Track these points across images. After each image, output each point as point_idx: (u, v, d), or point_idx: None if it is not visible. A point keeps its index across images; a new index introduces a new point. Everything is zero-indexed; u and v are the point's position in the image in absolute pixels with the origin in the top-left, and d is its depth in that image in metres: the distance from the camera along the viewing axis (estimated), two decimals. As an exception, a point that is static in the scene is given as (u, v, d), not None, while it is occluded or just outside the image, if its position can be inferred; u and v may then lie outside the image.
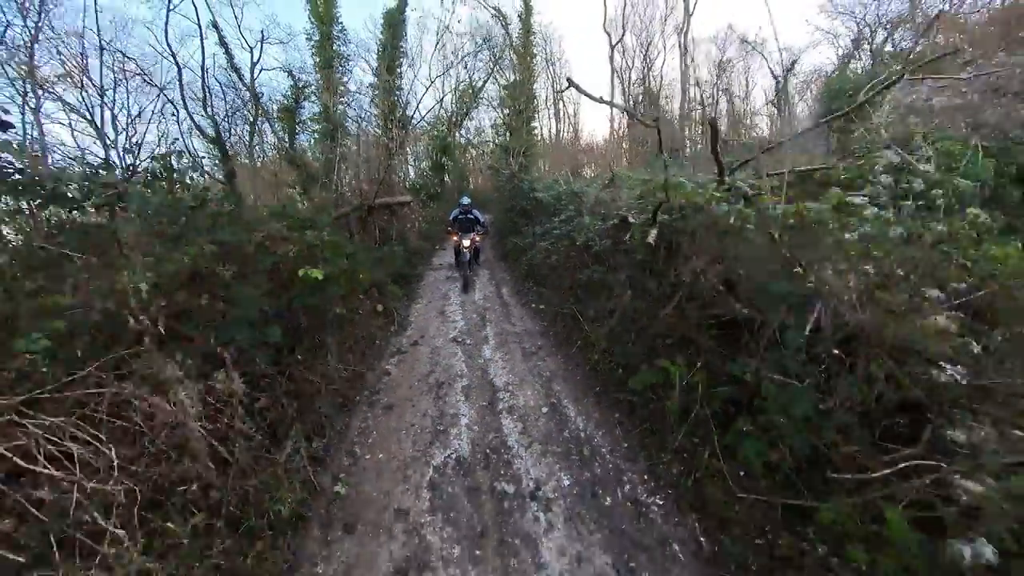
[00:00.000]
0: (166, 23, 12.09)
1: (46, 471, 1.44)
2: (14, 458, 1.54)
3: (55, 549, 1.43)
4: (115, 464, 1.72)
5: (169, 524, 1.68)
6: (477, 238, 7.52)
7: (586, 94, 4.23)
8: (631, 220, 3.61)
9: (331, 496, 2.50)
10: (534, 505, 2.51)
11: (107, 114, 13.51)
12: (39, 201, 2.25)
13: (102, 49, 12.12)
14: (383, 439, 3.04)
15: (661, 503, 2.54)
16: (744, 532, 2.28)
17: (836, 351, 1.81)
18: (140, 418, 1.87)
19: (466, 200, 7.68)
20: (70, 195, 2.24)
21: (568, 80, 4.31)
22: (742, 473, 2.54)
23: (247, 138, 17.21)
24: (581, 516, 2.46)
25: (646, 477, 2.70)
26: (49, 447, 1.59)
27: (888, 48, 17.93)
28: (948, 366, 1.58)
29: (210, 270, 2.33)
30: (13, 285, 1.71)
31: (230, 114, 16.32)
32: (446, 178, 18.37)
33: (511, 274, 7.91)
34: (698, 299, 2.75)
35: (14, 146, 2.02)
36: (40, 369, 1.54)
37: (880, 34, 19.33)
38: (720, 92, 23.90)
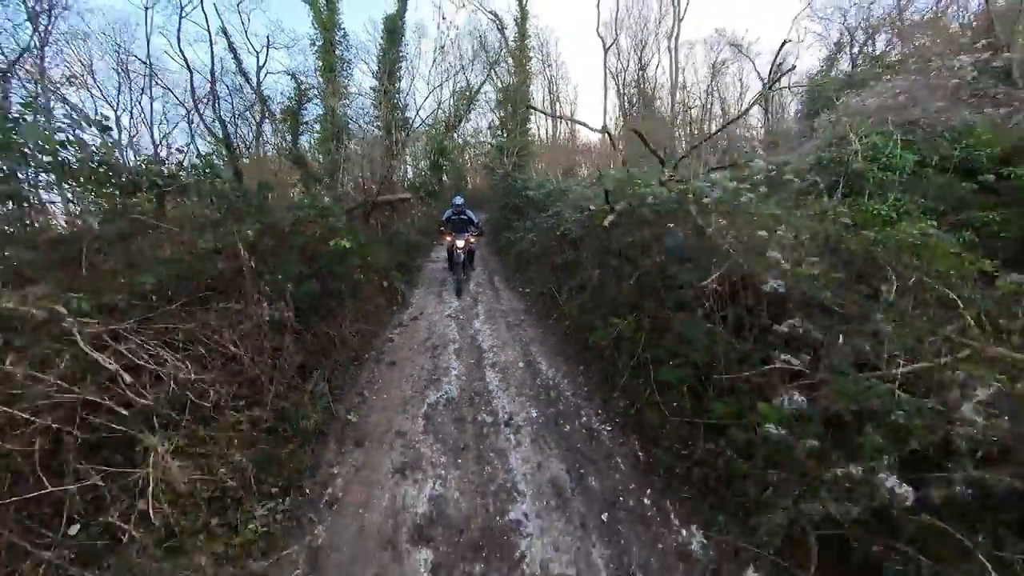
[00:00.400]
0: (179, 29, 12.78)
1: (153, 368, 2.08)
2: (121, 363, 2.18)
3: (155, 419, 2.07)
4: (192, 379, 2.36)
5: (233, 416, 2.31)
6: (471, 239, 7.17)
7: (541, 111, 4.85)
8: (592, 208, 4.26)
9: (345, 422, 3.14)
10: (507, 430, 3.15)
11: (111, 114, 14.18)
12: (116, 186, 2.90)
13: (126, 54, 12.74)
14: (387, 385, 3.68)
15: (609, 429, 3.17)
16: (672, 445, 2.91)
17: (717, 287, 2.45)
18: (206, 348, 2.51)
19: (459, 200, 7.35)
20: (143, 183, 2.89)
21: (528, 106, 4.94)
22: (675, 404, 3.18)
23: (251, 138, 17.95)
24: (544, 438, 3.09)
25: (599, 411, 3.34)
26: (148, 358, 2.23)
27: (869, 50, 18.67)
28: (772, 281, 2.22)
29: (258, 242, 2.99)
30: (127, 244, 2.36)
31: (236, 116, 17.04)
32: (444, 177, 19.04)
33: (503, 265, 8.56)
34: (643, 268, 3.39)
35: (109, 145, 2.66)
36: (148, 301, 2.17)
37: (860, 37, 20.06)
38: (710, 94, 24.57)
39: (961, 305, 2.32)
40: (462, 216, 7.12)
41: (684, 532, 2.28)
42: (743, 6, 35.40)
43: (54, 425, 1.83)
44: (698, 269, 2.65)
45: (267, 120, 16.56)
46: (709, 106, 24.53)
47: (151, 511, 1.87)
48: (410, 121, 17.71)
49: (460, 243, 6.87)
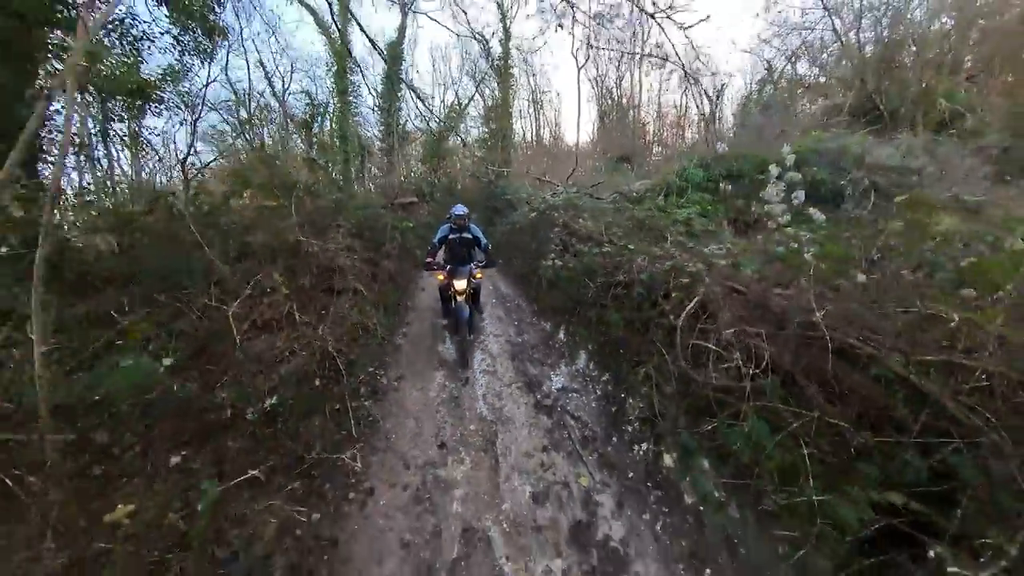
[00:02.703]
0: (226, 63, 15.97)
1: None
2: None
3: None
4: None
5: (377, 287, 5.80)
6: (477, 274, 4.96)
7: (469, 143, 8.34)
8: (529, 208, 7.81)
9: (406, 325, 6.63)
10: (484, 316, 6.65)
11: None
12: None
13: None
14: (419, 313, 7.15)
15: (528, 305, 6.69)
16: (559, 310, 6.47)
17: (563, 238, 6.01)
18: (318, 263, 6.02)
19: (460, 209, 5.03)
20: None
21: (462, 140, 8.47)
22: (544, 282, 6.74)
23: (276, 147, 21.13)
24: (501, 319, 6.60)
25: (529, 303, 6.87)
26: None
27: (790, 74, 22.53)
28: (593, 237, 5.77)
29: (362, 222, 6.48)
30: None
31: (265, 126, 20.25)
32: (437, 181, 22.40)
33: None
34: (542, 237, 6.96)
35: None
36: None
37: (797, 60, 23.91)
38: (659, 113, 28.31)
39: (668, 236, 5.86)
40: (464, 235, 4.99)
41: (550, 327, 5.81)
42: (705, 26, 39.26)
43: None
44: (566, 233, 6.19)
45: (291, 132, 19.80)
46: (658, 121, 28.25)
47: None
48: (409, 132, 21.10)
49: (460, 284, 4.65)
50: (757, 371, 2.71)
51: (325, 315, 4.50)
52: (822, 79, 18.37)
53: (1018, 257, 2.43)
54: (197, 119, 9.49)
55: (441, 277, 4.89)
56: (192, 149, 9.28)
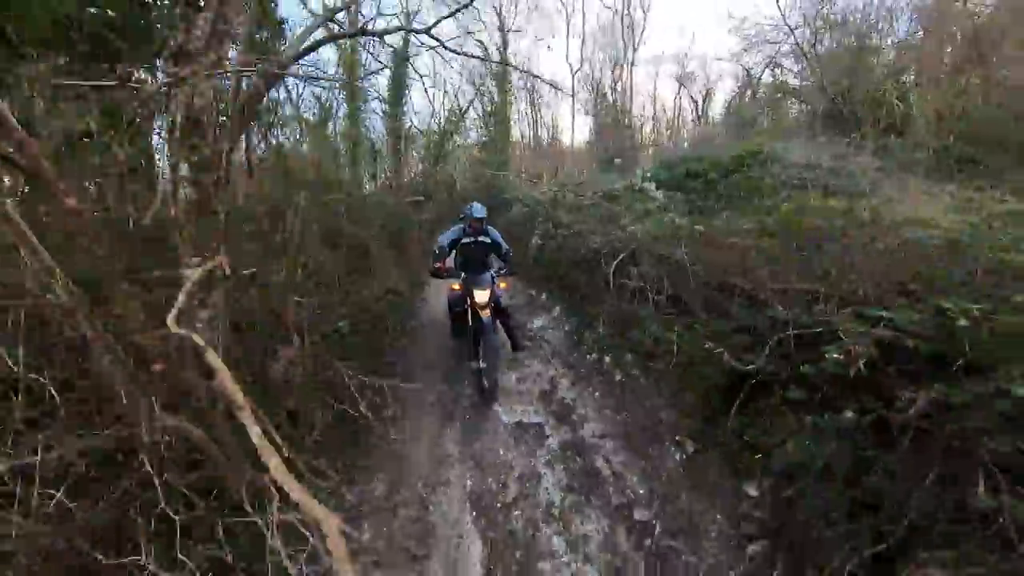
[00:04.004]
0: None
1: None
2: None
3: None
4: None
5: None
6: (501, 283, 4.41)
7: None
8: (521, 205, 9.38)
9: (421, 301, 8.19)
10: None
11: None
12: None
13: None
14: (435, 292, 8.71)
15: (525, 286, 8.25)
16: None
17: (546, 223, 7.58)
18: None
19: (480, 211, 4.37)
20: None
21: (462, 143, 10.06)
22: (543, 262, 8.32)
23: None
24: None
25: (525, 282, 8.43)
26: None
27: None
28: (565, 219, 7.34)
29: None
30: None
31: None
32: (439, 181, 24.00)
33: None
34: (536, 225, 8.54)
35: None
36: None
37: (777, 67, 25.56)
38: (655, 115, 29.92)
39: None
40: (481, 239, 4.44)
41: (535, 293, 7.38)
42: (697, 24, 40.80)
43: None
44: (550, 224, 7.76)
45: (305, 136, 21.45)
46: (647, 122, 29.83)
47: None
48: (412, 137, 22.68)
49: (481, 297, 3.96)
50: (659, 297, 4.29)
51: (372, 281, 6.07)
52: (798, 84, 20.00)
53: (814, 211, 3.93)
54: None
55: (456, 287, 4.22)
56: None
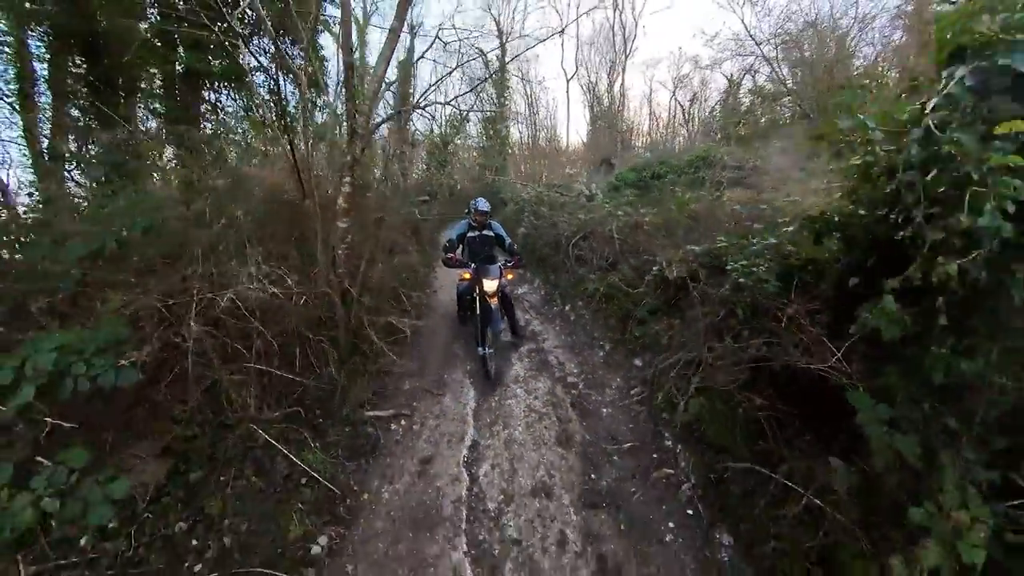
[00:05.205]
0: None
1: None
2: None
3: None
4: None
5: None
6: (508, 274, 4.63)
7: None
8: (512, 202, 11.28)
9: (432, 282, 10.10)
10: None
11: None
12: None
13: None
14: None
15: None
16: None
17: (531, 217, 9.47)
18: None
19: (484, 204, 4.83)
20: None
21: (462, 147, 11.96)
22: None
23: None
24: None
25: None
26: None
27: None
28: (546, 212, 9.21)
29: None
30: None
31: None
32: (442, 182, 25.90)
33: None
34: (526, 219, 10.46)
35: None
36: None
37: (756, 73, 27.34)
38: (651, 115, 31.76)
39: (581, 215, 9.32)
40: (485, 232, 4.80)
41: (537, 283, 9.29)
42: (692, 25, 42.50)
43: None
44: (540, 218, 9.64)
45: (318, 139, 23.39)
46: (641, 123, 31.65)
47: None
48: (417, 140, 24.58)
49: (490, 285, 4.20)
50: (603, 262, 6.19)
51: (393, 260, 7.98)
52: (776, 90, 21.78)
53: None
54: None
55: (467, 276, 4.53)
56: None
